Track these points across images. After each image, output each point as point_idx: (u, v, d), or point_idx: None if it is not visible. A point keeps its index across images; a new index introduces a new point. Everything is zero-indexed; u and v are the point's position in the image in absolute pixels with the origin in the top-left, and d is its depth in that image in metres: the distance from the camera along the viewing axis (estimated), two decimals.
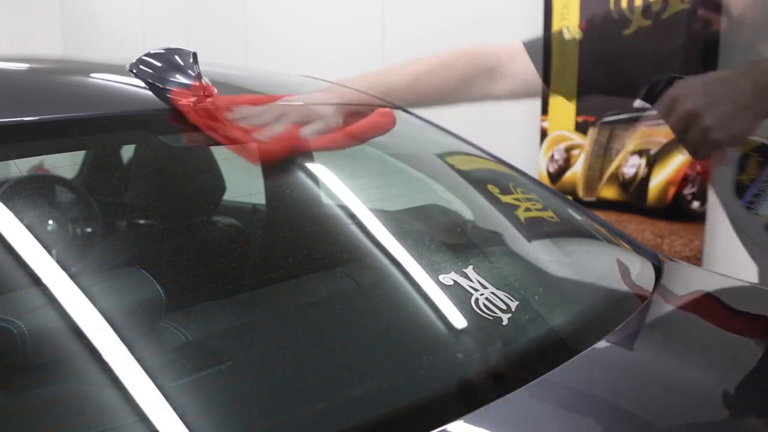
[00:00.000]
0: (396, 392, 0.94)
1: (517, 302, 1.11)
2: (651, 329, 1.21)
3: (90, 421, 0.81)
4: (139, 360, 0.84)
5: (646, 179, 3.02)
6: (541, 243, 1.42)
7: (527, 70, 1.52)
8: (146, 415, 0.80)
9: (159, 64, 1.26)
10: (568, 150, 3.21)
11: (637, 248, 1.50)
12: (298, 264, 1.15)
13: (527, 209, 1.42)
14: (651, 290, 1.30)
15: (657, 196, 3.00)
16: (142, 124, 1.23)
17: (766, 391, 1.07)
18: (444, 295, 1.08)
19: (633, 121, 3.01)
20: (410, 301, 1.11)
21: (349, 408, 0.90)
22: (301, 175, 1.36)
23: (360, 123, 1.39)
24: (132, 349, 0.85)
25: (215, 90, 1.23)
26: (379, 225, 1.25)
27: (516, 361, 1.06)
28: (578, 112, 3.15)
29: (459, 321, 1.07)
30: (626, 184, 3.08)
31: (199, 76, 1.25)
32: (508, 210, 1.42)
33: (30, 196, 1.23)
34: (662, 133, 2.94)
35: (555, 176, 3.26)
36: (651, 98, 1.26)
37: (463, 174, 1.56)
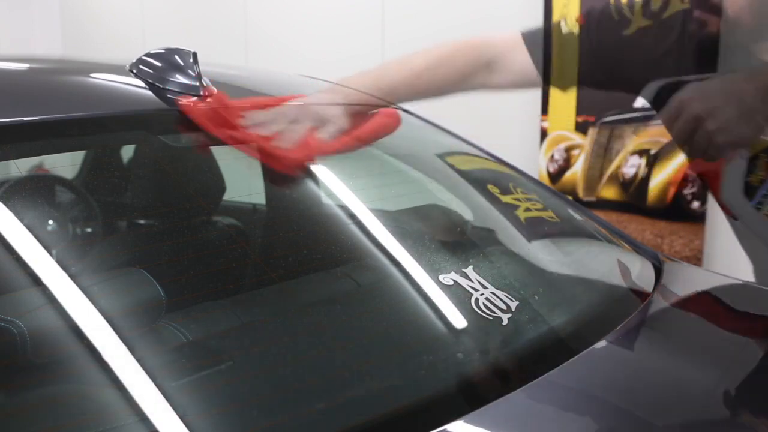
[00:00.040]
0: (396, 392, 0.94)
1: (517, 302, 1.11)
2: (651, 329, 1.21)
3: (90, 421, 0.81)
4: (139, 360, 0.84)
5: (646, 179, 3.02)
6: (541, 243, 1.42)
7: (525, 63, 1.53)
8: (146, 415, 0.80)
9: (159, 64, 1.26)
10: (568, 150, 3.21)
11: (637, 248, 1.50)
12: (298, 264, 1.15)
13: (527, 209, 1.42)
14: (651, 290, 1.30)
15: (657, 196, 3.00)
16: (142, 124, 1.23)
17: (766, 391, 1.07)
18: (444, 295, 1.08)
19: (633, 122, 3.01)
20: (410, 301, 1.11)
21: (349, 408, 0.90)
22: (301, 175, 1.36)
23: (368, 124, 1.39)
24: (132, 349, 0.85)
25: (226, 96, 1.23)
26: (379, 225, 1.25)
27: (516, 361, 1.06)
28: (578, 112, 3.15)
29: (459, 321, 1.07)
30: (626, 184, 3.08)
31: (199, 76, 1.25)
32: (508, 210, 1.42)
33: (30, 196, 1.23)
34: (662, 133, 2.94)
35: (555, 176, 3.26)
36: (656, 104, 1.28)
37: (463, 174, 1.56)
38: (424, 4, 3.61)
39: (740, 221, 1.34)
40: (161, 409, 0.81)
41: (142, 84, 1.25)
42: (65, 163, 1.43)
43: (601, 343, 1.09)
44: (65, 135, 1.12)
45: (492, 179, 1.56)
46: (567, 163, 3.23)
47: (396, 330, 1.06)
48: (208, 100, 1.22)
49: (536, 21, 3.20)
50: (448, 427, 0.86)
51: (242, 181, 1.55)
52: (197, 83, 1.25)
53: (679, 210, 2.96)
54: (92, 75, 1.41)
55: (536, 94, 3.26)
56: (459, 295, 1.08)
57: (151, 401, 0.81)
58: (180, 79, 1.24)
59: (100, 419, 0.81)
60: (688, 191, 2.94)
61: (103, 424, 0.81)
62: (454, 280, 1.10)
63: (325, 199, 1.34)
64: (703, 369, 1.09)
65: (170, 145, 1.29)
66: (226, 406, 0.86)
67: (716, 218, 2.81)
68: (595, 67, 1.52)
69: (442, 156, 1.57)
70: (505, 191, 1.48)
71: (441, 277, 1.10)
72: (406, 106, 1.57)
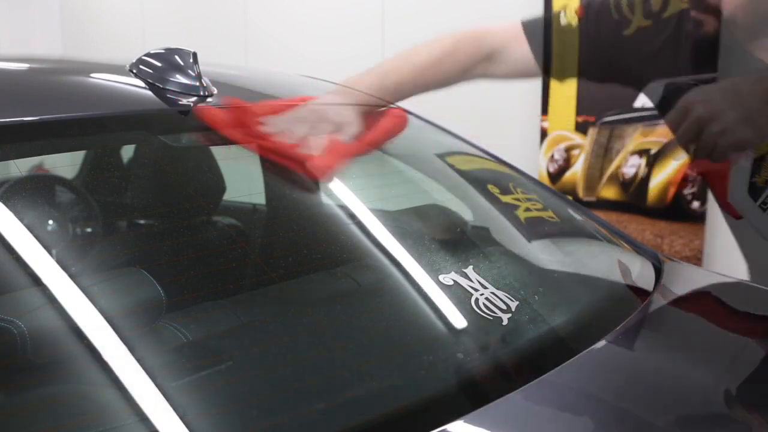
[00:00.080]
0: (396, 392, 0.94)
1: (517, 302, 1.11)
2: (651, 329, 1.21)
3: (90, 421, 0.81)
4: (139, 360, 0.84)
5: (646, 179, 3.02)
6: (541, 243, 1.42)
7: (525, 54, 1.53)
8: (146, 415, 0.80)
9: (159, 64, 1.26)
10: (568, 150, 3.21)
11: (637, 248, 1.50)
12: (298, 264, 1.15)
13: (527, 209, 1.42)
14: (651, 290, 1.30)
15: (657, 196, 3.00)
16: (142, 124, 1.23)
17: (765, 391, 1.07)
18: (444, 295, 1.08)
19: (633, 122, 3.01)
20: (410, 301, 1.11)
21: (349, 408, 0.90)
22: (301, 175, 1.36)
23: (382, 124, 1.39)
24: (132, 349, 0.85)
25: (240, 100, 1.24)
26: (380, 225, 1.25)
27: (516, 361, 1.06)
28: (578, 112, 3.15)
29: (459, 321, 1.07)
30: (626, 184, 3.08)
31: (199, 76, 1.25)
32: (508, 210, 1.42)
33: (30, 196, 1.23)
34: (662, 133, 2.94)
35: (555, 176, 3.26)
36: (660, 103, 1.35)
37: (463, 174, 1.56)
38: (424, 4, 3.61)
39: (746, 221, 1.35)
40: (161, 409, 0.81)
41: (142, 84, 1.25)
42: (65, 163, 1.43)
43: (601, 343, 1.09)
44: (65, 135, 1.12)
45: (492, 179, 1.56)
46: (567, 163, 3.23)
47: (396, 330, 1.06)
48: (222, 104, 1.22)
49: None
50: (448, 427, 0.86)
51: (241, 181, 1.55)
52: (197, 83, 1.25)
53: (679, 210, 2.96)
54: (92, 75, 1.41)
55: (536, 94, 3.26)
56: (459, 295, 1.08)
57: (151, 401, 0.81)
58: (180, 79, 1.24)
59: (100, 419, 0.81)
60: (688, 191, 2.95)
61: (103, 424, 0.81)
62: (454, 280, 1.10)
63: (326, 199, 1.34)
64: (703, 369, 1.09)
65: (170, 145, 1.29)
66: (226, 406, 0.86)
67: (716, 218, 2.81)
68: (594, 59, 1.53)
69: (442, 156, 1.57)
70: (505, 191, 1.48)
71: (441, 277, 1.10)
72: (405, 103, 1.57)
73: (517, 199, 1.44)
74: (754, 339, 1.24)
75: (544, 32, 1.52)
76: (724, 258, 2.83)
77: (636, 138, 3.03)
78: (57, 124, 1.10)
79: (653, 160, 2.99)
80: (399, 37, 3.72)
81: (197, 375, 0.91)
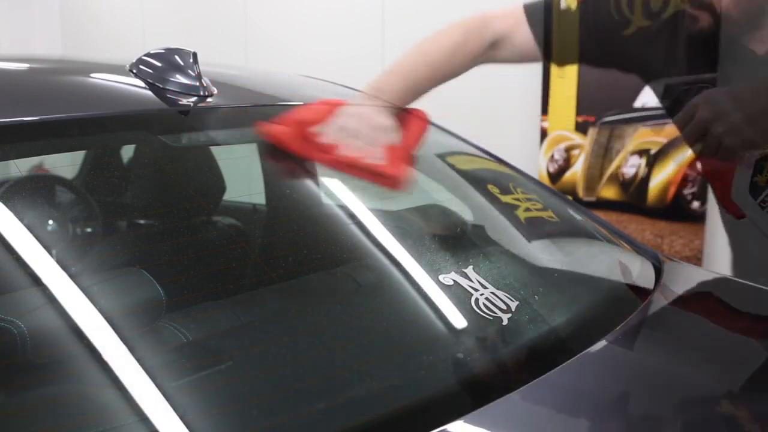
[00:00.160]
0: (396, 392, 0.94)
1: (517, 302, 1.11)
2: (651, 329, 1.21)
3: (90, 421, 0.81)
4: (139, 360, 0.84)
5: (646, 179, 3.02)
6: (541, 243, 1.42)
7: (527, 40, 1.53)
8: (146, 415, 0.80)
9: (159, 64, 1.26)
10: (568, 150, 3.21)
11: (637, 248, 1.50)
12: (298, 264, 1.15)
13: (527, 209, 1.42)
14: (651, 290, 1.30)
15: (657, 196, 3.00)
16: (142, 124, 1.23)
17: (765, 391, 1.07)
18: (444, 295, 1.08)
19: (633, 121, 3.01)
20: (410, 301, 1.11)
21: (349, 408, 0.90)
22: (301, 175, 1.36)
23: (416, 126, 1.41)
24: (132, 349, 0.85)
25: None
26: (380, 225, 1.25)
27: (516, 361, 1.06)
28: (578, 112, 3.15)
29: (459, 321, 1.07)
30: (626, 184, 3.08)
31: (199, 76, 1.25)
32: (508, 210, 1.42)
33: (30, 196, 1.23)
34: (662, 133, 2.94)
35: (555, 176, 3.26)
36: (671, 109, 1.43)
37: (463, 174, 1.56)
38: (424, 4, 3.61)
39: (748, 219, 1.37)
40: (161, 409, 0.81)
41: (142, 84, 1.25)
42: (65, 163, 1.43)
43: (601, 343, 1.09)
44: (65, 135, 1.12)
45: (492, 179, 1.56)
46: (567, 163, 3.23)
47: (396, 330, 1.06)
48: (283, 122, 1.25)
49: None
50: (448, 427, 0.86)
51: (241, 181, 1.55)
52: (197, 83, 1.25)
53: (679, 210, 2.96)
54: (92, 75, 1.41)
55: (536, 94, 3.27)
56: (459, 295, 1.08)
57: (151, 401, 0.81)
58: (180, 79, 1.24)
59: (100, 419, 0.81)
60: (688, 191, 2.94)
61: (103, 424, 0.81)
62: (454, 280, 1.10)
63: (326, 199, 1.34)
64: (703, 369, 1.09)
65: (170, 145, 1.29)
66: (226, 406, 0.86)
67: (716, 218, 2.80)
68: (593, 43, 1.53)
69: (442, 156, 1.57)
70: (505, 191, 1.48)
71: (441, 277, 1.10)
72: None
73: (517, 199, 1.44)
74: (754, 339, 1.24)
75: (544, 16, 1.52)
76: (724, 258, 2.82)
77: (636, 138, 3.03)
78: (57, 124, 1.10)
79: (653, 160, 2.99)
80: (399, 37, 3.71)
81: (197, 375, 0.90)
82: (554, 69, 3.16)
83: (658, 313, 1.25)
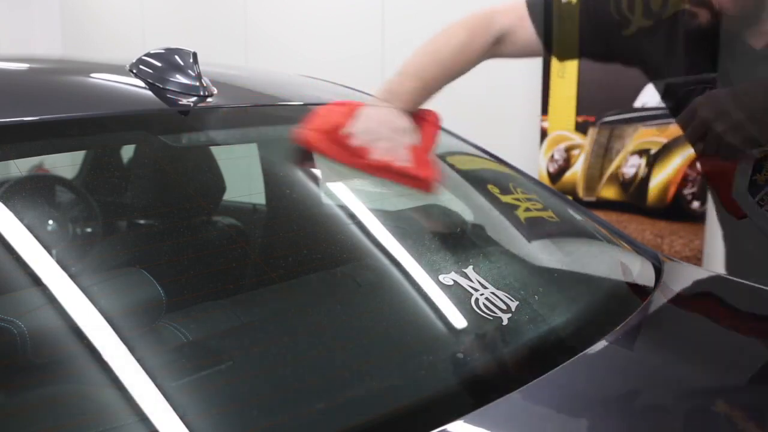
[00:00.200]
0: (396, 392, 0.94)
1: (517, 302, 1.11)
2: (651, 329, 1.21)
3: (90, 421, 0.81)
4: (139, 360, 0.84)
5: (646, 179, 3.02)
6: (541, 243, 1.42)
7: (530, 35, 1.54)
8: (146, 415, 0.80)
9: (159, 64, 1.26)
10: (568, 150, 3.21)
11: (637, 248, 1.50)
12: (298, 264, 1.15)
13: (527, 209, 1.42)
14: (651, 290, 1.30)
15: (657, 196, 3.00)
16: (142, 124, 1.23)
17: (765, 390, 1.07)
18: (444, 295, 1.08)
19: (633, 121, 3.01)
20: (410, 301, 1.11)
21: (349, 408, 0.90)
22: (301, 175, 1.36)
23: (431, 126, 1.41)
24: (132, 349, 0.85)
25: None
26: (380, 225, 1.25)
27: (516, 361, 1.06)
28: (578, 112, 3.15)
29: (459, 321, 1.07)
30: (626, 184, 3.08)
31: (199, 76, 1.25)
32: (508, 210, 1.42)
33: (30, 196, 1.23)
34: (662, 133, 2.94)
35: (555, 176, 3.26)
36: (674, 109, 1.47)
37: (463, 174, 1.56)
38: (424, 4, 3.61)
39: (749, 218, 1.38)
40: (161, 409, 0.81)
41: (142, 84, 1.25)
42: (65, 163, 1.43)
43: (602, 343, 1.09)
44: (65, 135, 1.12)
45: (492, 179, 1.56)
46: (567, 163, 3.23)
47: (396, 330, 1.06)
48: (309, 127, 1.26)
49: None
50: (448, 427, 0.86)
51: (241, 181, 1.55)
52: (197, 83, 1.25)
53: (679, 210, 2.96)
54: (92, 75, 1.41)
55: (536, 94, 3.27)
56: (459, 295, 1.08)
57: (151, 401, 0.81)
58: (180, 79, 1.24)
59: (100, 419, 0.81)
60: (688, 191, 2.95)
61: (103, 424, 0.81)
62: (454, 280, 1.10)
63: (326, 199, 1.34)
64: (703, 369, 1.09)
65: (170, 145, 1.29)
66: (226, 406, 0.86)
67: (716, 218, 2.81)
68: (594, 39, 1.54)
69: (442, 156, 1.57)
70: (505, 191, 1.48)
71: (441, 277, 1.10)
72: None
73: (517, 199, 1.44)
74: (754, 339, 1.24)
75: (545, 9, 1.53)
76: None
77: (636, 138, 3.03)
78: (57, 124, 1.10)
79: (653, 160, 2.99)
80: (399, 37, 3.72)
81: (197, 375, 0.90)
82: (554, 69, 3.16)
83: (658, 313, 1.25)
